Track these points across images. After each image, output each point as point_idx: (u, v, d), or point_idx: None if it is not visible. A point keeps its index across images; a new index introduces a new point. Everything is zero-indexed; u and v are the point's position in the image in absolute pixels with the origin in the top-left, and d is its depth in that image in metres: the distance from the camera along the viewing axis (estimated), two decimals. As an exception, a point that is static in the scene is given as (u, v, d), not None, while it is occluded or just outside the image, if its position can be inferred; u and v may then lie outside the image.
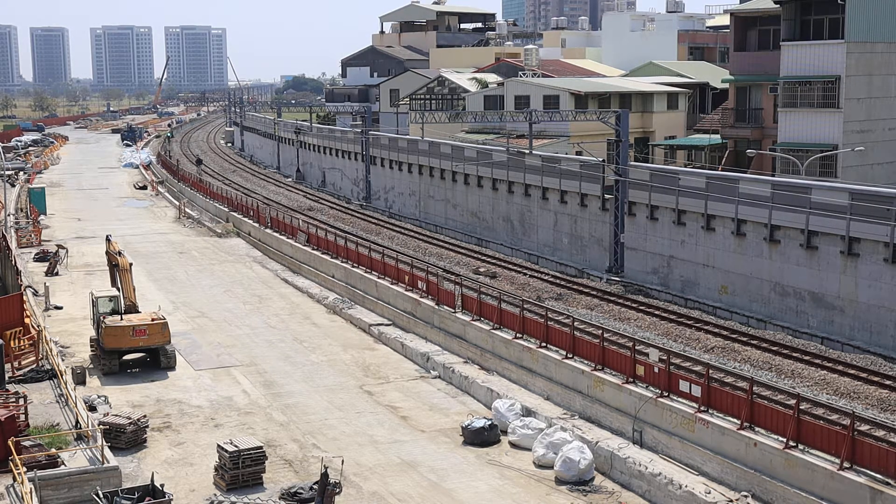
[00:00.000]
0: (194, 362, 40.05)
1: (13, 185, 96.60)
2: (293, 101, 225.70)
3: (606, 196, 49.17)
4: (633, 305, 42.63)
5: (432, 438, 31.65)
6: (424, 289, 43.17)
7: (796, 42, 52.53)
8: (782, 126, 53.80)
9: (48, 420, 29.99)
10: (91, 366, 38.83)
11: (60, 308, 48.90)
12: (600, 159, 50.82)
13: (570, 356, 32.90)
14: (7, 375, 33.51)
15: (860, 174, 50.37)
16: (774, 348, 35.62)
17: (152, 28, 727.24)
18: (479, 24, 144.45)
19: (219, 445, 27.98)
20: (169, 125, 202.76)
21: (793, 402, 25.50)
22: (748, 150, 54.57)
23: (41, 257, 61.41)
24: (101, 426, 28.79)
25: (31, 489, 24.11)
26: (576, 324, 34.70)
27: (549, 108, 68.07)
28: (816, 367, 33.19)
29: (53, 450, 26.88)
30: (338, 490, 25.78)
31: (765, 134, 59.19)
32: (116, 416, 31.26)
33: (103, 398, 34.24)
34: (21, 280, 46.96)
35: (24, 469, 24.93)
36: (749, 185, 41.26)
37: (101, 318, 38.35)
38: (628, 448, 28.54)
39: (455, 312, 40.08)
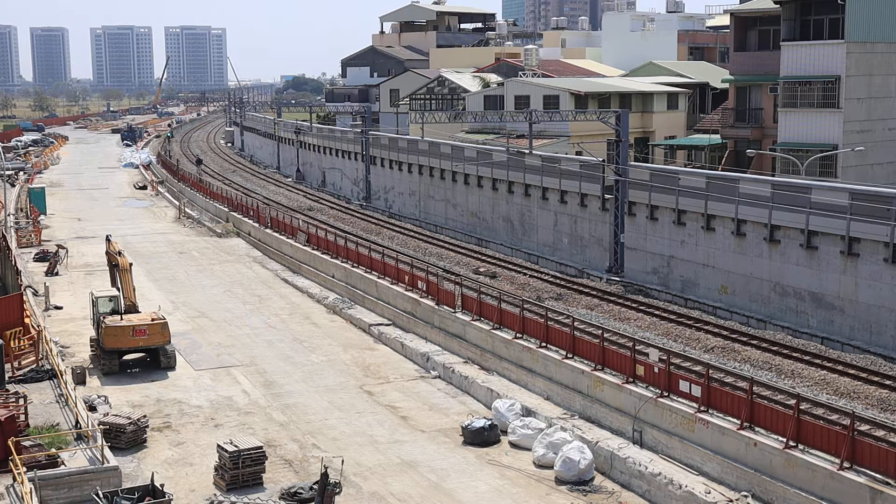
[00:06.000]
0: (194, 362, 40.06)
1: (13, 185, 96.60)
2: (293, 101, 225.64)
3: (606, 196, 49.16)
4: (633, 305, 42.63)
5: (432, 438, 31.65)
6: (424, 289, 43.16)
7: (796, 42, 52.54)
8: (782, 126, 53.81)
9: (48, 420, 29.99)
10: (91, 366, 38.82)
11: (60, 308, 48.90)
12: (600, 159, 50.82)
13: (570, 356, 32.89)
14: (7, 375, 33.53)
15: (860, 174, 50.38)
16: (774, 348, 35.62)
17: (152, 28, 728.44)
18: (479, 24, 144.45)
19: (219, 445, 27.98)
20: (169, 125, 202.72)
21: (793, 402, 25.50)
22: (748, 150, 54.58)
23: (41, 257, 61.41)
24: (101, 426, 28.81)
25: (31, 489, 24.11)
26: (576, 324, 34.69)
27: (549, 108, 68.08)
28: (816, 367, 33.19)
29: (53, 450, 26.88)
30: (338, 490, 25.77)
31: (765, 134, 59.20)
32: (116, 416, 31.26)
33: (103, 398, 34.23)
34: (21, 280, 46.97)
35: (24, 469, 24.93)
36: (749, 185, 41.26)
37: (101, 318, 38.34)
38: (628, 448, 28.54)
39: (455, 312, 40.08)
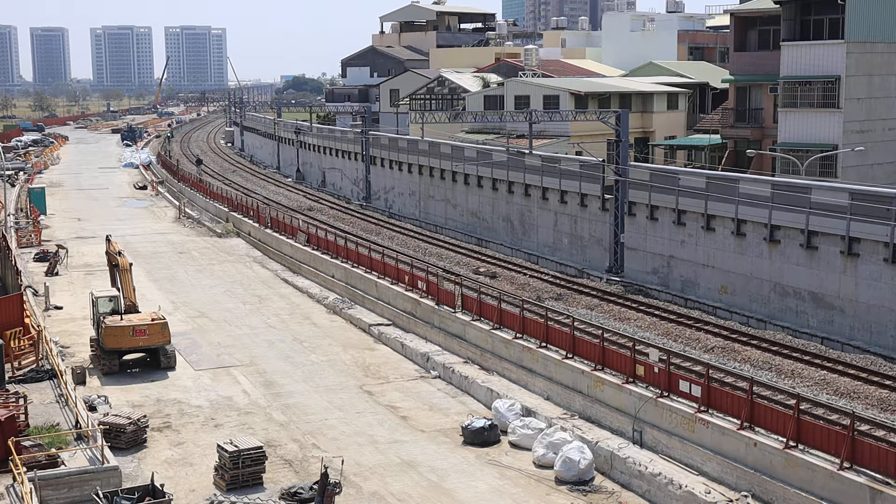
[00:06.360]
0: (194, 362, 40.05)
1: (13, 185, 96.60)
2: (293, 101, 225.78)
3: (606, 196, 49.17)
4: (633, 305, 42.63)
5: (432, 438, 31.65)
6: (424, 289, 43.16)
7: (796, 42, 52.53)
8: (782, 126, 53.80)
9: (48, 420, 29.99)
10: (91, 366, 38.82)
11: (60, 308, 48.89)
12: (600, 159, 50.82)
13: (570, 356, 32.90)
14: (7, 375, 33.53)
15: (860, 174, 50.38)
16: (774, 348, 35.62)
17: (152, 28, 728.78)
18: (479, 24, 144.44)
19: (219, 445, 27.98)
20: (169, 125, 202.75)
21: (793, 402, 25.50)
22: (748, 150, 54.58)
23: (41, 257, 61.41)
24: (101, 426, 28.80)
25: (31, 489, 24.11)
26: (576, 324, 34.69)
27: (549, 108, 68.08)
28: (816, 367, 33.20)
29: (53, 450, 26.88)
30: (338, 490, 25.77)
31: (765, 134, 59.20)
32: (116, 416, 31.26)
33: (103, 398, 34.24)
34: (21, 280, 46.96)
35: (24, 469, 24.93)
36: (749, 185, 41.26)
37: (101, 318, 38.34)
38: (628, 448, 28.54)
39: (455, 312, 40.08)
